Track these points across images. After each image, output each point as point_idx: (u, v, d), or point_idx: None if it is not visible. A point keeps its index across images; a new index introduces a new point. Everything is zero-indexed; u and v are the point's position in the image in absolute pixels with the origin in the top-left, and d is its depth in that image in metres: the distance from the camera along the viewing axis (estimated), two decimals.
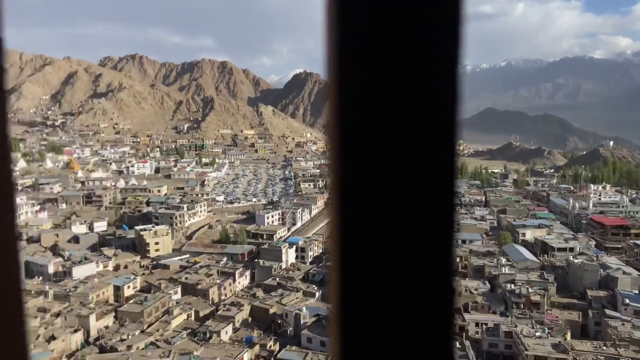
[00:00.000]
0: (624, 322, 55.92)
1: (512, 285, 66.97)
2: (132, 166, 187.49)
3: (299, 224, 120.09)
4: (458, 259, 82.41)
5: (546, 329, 52.71)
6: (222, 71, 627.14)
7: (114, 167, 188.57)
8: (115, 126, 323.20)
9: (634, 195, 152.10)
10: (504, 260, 78.21)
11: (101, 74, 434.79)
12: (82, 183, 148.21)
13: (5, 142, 0.67)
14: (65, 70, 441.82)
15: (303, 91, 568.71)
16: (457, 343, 49.16)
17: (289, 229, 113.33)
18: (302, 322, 56.64)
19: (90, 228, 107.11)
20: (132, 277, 74.49)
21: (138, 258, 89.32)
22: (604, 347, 48.59)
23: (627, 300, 61.31)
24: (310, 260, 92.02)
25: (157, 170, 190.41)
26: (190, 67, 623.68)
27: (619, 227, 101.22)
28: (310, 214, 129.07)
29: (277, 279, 76.87)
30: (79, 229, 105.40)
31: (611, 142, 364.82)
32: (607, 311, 60.22)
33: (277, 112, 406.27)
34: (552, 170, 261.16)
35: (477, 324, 56.49)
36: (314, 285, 73.96)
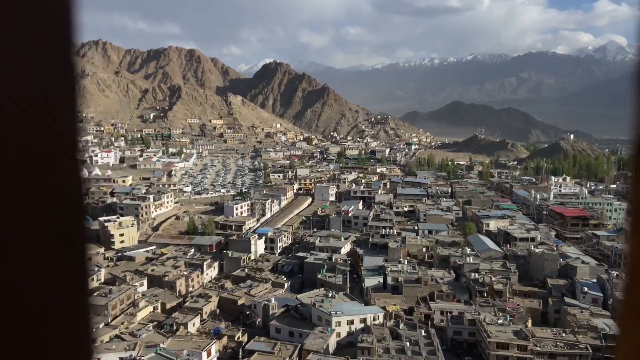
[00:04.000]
0: (582, 309, 58.10)
1: (476, 274, 68.65)
2: (96, 156, 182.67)
3: (268, 215, 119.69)
4: (424, 249, 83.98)
5: (508, 316, 54.32)
6: (189, 59, 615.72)
7: None
8: (78, 114, 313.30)
9: (592, 187, 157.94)
10: (468, 250, 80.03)
11: None
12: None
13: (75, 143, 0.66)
14: None
15: (273, 81, 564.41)
16: (423, 331, 50.14)
17: (258, 220, 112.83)
18: (270, 312, 56.66)
19: None
20: (96, 269, 72.74)
21: (102, 250, 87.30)
22: (564, 334, 50.42)
23: (586, 289, 63.75)
24: (279, 251, 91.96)
25: (121, 160, 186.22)
26: (157, 55, 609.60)
27: (578, 218, 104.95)
28: (279, 204, 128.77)
29: (246, 270, 76.56)
30: None
31: (572, 136, 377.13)
32: (567, 299, 62.47)
33: (247, 102, 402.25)
34: (515, 163, 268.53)
35: (442, 312, 57.74)
36: (283, 276, 74.04)
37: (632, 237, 0.65)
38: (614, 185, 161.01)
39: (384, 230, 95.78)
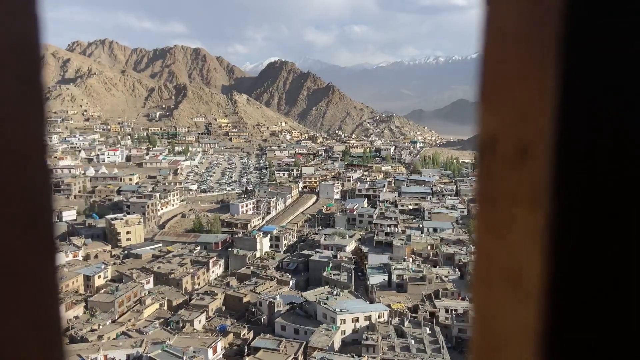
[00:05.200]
0: None
1: None
2: (103, 154, 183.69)
3: (273, 213, 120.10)
4: (429, 247, 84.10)
5: None
6: (195, 58, 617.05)
7: (83, 154, 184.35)
8: (85, 113, 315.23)
9: None
10: (473, 248, 79.98)
11: (69, 59, 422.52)
12: (50, 171, 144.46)
13: (43, 142, 0.71)
14: None
15: (278, 80, 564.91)
16: (428, 329, 50.33)
17: (263, 218, 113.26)
18: (276, 310, 57.01)
19: (59, 217, 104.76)
20: (103, 266, 73.37)
21: (109, 247, 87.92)
22: None
23: None
24: (284, 249, 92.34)
25: (128, 159, 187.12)
26: (162, 54, 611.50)
27: None
28: (284, 202, 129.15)
29: (251, 267, 76.97)
30: None
31: None
32: None
33: (252, 100, 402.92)
34: None
35: (447, 310, 57.89)
36: (288, 274, 74.38)
37: (477, 225, 0.75)
38: None
39: (388, 228, 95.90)
